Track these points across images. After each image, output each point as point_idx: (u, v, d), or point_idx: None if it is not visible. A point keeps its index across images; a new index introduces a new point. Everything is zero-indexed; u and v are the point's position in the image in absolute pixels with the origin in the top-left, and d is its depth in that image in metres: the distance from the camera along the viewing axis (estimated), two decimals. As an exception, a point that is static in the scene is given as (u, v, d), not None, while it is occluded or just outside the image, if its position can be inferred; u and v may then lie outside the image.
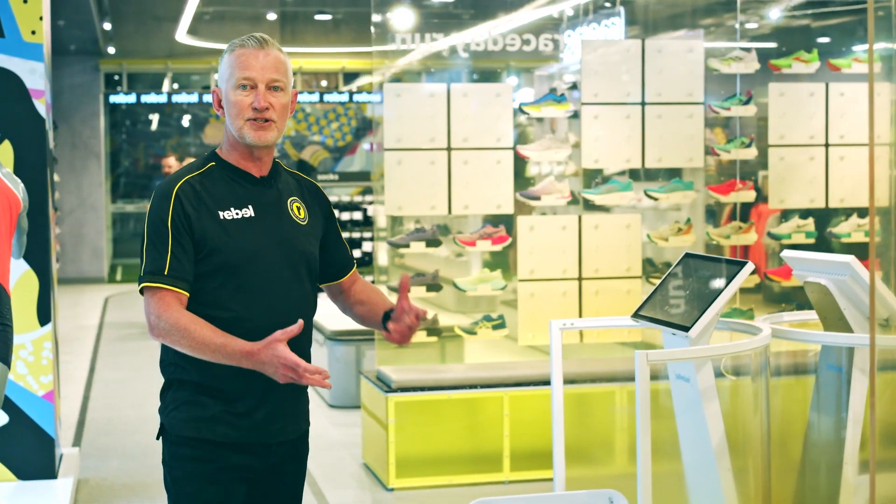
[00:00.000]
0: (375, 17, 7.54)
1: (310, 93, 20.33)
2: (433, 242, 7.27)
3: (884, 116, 7.73)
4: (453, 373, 7.09)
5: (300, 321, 3.12)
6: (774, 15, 8.61)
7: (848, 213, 7.77)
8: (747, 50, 7.58)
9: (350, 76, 21.45)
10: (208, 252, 3.24)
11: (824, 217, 7.83)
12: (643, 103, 7.41)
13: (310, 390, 3.73)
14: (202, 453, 3.29)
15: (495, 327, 7.28)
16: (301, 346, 3.35)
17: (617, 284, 7.37)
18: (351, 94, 20.74)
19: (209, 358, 3.17)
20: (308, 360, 3.46)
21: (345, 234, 4.51)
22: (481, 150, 7.24)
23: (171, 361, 3.33)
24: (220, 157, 3.38)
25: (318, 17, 18.82)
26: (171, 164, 14.21)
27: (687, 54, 7.48)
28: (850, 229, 7.72)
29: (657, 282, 7.49)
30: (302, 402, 3.44)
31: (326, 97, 20.28)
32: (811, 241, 7.66)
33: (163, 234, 3.22)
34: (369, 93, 20.88)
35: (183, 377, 3.30)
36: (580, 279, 7.33)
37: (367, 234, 15.66)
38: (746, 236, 7.61)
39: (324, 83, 21.25)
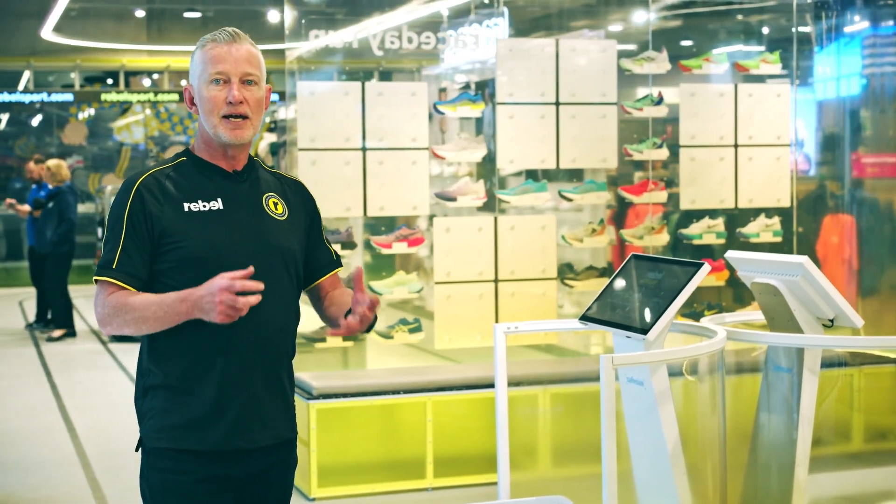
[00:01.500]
0: (284, 13, 7.32)
1: (176, 92, 19.91)
2: (348, 245, 7.11)
3: (786, 117, 7.82)
4: (375, 378, 6.93)
5: (250, 267, 2.99)
6: (641, 17, 8.59)
7: (754, 213, 7.83)
8: (659, 50, 7.59)
9: (218, 75, 21.06)
10: (172, 244, 3.13)
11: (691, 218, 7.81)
12: (557, 103, 7.35)
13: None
14: (178, 464, 3.14)
15: (412, 331, 7.15)
16: (280, 351, 3.21)
17: (532, 286, 7.30)
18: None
19: (153, 323, 3.05)
20: (290, 371, 3.30)
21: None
22: (397, 151, 7.10)
23: (146, 368, 3.20)
24: (193, 152, 3.29)
25: (186, 14, 18.45)
26: (32, 168, 13.86)
27: (600, 54, 7.46)
28: (758, 229, 7.79)
29: (573, 283, 7.48)
30: (281, 406, 3.26)
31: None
32: (721, 241, 7.71)
33: (118, 229, 3.14)
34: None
35: (155, 383, 3.16)
36: (496, 281, 7.24)
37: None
38: (659, 237, 7.61)
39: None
